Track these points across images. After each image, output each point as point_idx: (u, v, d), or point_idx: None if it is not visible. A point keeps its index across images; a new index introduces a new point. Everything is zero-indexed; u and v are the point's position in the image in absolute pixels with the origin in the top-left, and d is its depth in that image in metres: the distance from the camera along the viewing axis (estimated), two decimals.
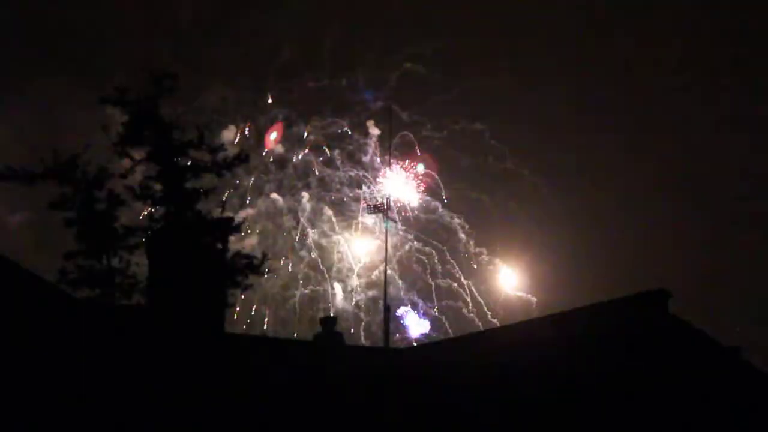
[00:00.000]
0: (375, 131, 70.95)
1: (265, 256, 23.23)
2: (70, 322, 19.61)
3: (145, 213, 23.87)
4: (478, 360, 20.65)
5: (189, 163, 22.55)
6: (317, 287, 68.43)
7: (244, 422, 18.60)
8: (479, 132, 72.41)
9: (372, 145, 70.50)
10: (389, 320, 26.41)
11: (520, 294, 71.56)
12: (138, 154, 22.51)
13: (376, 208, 34.75)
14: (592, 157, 71.99)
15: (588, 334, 20.07)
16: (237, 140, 70.70)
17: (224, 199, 23.64)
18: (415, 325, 68.53)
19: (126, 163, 22.51)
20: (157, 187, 22.39)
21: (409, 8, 73.73)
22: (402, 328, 67.83)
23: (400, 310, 67.99)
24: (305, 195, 70.01)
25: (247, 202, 69.77)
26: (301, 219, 69.40)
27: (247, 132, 71.79)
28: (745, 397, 19.63)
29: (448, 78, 71.35)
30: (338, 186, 69.93)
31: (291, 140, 72.29)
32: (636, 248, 68.02)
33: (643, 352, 19.43)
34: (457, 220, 70.86)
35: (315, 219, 69.64)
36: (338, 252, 68.92)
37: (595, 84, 72.75)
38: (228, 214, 23.72)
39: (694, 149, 69.01)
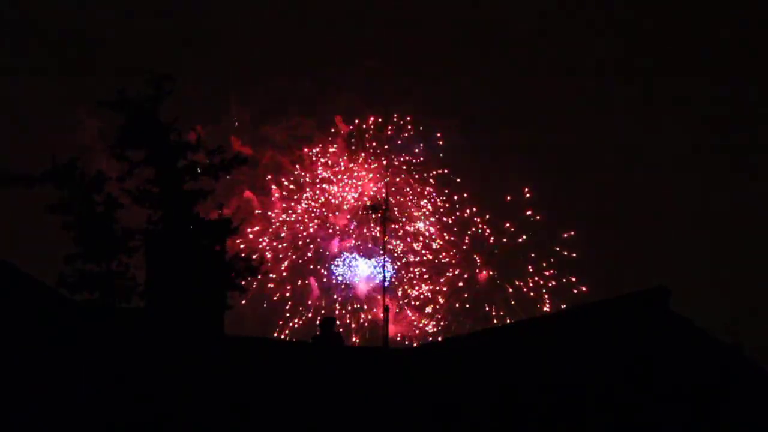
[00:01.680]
0: (343, 128, 70.69)
1: (263, 257, 23.30)
2: (69, 325, 19.59)
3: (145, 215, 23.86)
4: (478, 360, 20.61)
5: (186, 166, 22.58)
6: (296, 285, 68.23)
7: (243, 424, 18.57)
8: (448, 129, 72.22)
9: (340, 144, 70.25)
10: (388, 320, 26.40)
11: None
12: (136, 157, 22.56)
13: (373, 208, 33.36)
14: (579, 156, 71.85)
15: (587, 333, 20.05)
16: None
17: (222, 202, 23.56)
18: (364, 269, 66.86)
19: (123, 165, 22.55)
20: (155, 189, 22.42)
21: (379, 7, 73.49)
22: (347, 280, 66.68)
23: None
24: (276, 194, 69.81)
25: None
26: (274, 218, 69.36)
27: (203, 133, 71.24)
28: (746, 394, 19.61)
29: (413, 76, 71.14)
30: (309, 188, 69.92)
31: (260, 140, 72.16)
32: (634, 246, 67.96)
33: (642, 350, 19.41)
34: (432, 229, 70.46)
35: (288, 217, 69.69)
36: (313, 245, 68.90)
37: (586, 80, 72.72)
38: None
39: (692, 147, 69.09)
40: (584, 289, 66.73)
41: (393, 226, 64.39)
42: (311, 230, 68.43)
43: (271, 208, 68.93)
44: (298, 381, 19.66)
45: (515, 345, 20.78)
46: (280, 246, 68.16)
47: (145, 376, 18.62)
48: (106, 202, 22.34)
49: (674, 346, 19.66)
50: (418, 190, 69.59)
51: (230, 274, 22.45)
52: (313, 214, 68.33)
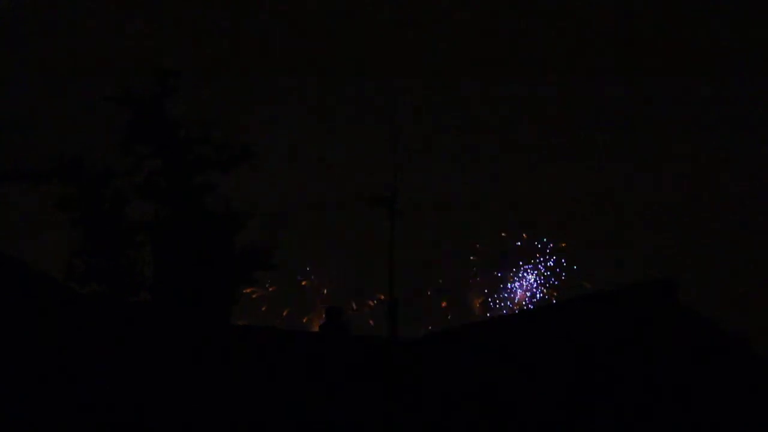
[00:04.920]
0: None
1: (270, 248, 23.27)
2: (77, 318, 19.66)
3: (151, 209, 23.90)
4: (484, 350, 20.68)
5: (194, 160, 22.61)
6: None
7: (250, 414, 18.65)
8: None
9: None
10: (396, 310, 26.37)
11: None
12: (143, 151, 22.59)
13: (378, 201, 30.75)
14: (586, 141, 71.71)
15: (593, 323, 20.05)
16: None
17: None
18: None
19: (131, 160, 22.59)
20: (163, 183, 22.46)
21: None
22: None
23: None
24: None
25: None
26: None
27: None
28: (755, 387, 19.62)
29: None
30: None
31: None
32: (640, 237, 67.95)
33: (649, 343, 19.43)
34: None
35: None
36: None
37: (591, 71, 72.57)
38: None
39: (700, 134, 69.01)
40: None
41: None
42: None
43: None
44: (305, 370, 19.73)
45: (522, 335, 20.83)
46: None
47: (152, 368, 18.70)
48: (113, 196, 22.38)
49: (682, 338, 19.69)
50: None
51: (240, 267, 22.51)
52: None
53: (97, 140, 22.91)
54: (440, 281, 69.91)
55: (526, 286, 69.74)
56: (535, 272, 69.86)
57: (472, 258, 70.76)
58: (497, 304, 70.15)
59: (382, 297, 65.27)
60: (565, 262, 69.73)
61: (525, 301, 69.42)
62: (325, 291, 68.01)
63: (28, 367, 17.87)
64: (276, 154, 63.67)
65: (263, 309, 65.95)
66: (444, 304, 69.29)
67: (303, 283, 68.59)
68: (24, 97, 60.91)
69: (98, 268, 22.19)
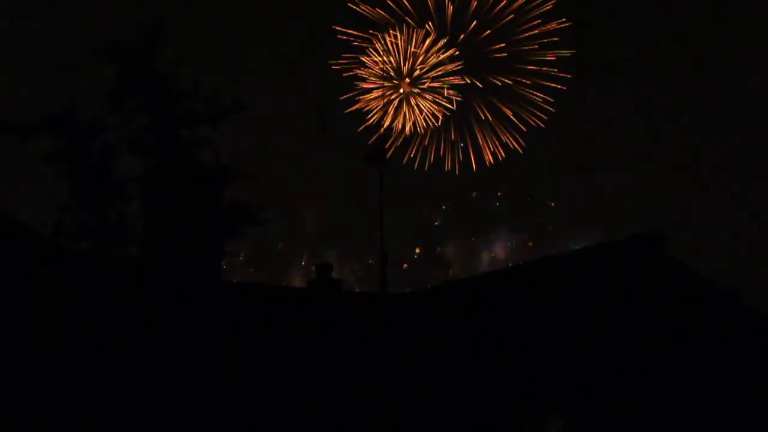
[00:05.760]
0: None
1: (260, 205, 23.27)
2: (67, 274, 19.68)
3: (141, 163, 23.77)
4: (473, 304, 20.73)
5: (183, 113, 22.52)
6: None
7: (238, 371, 18.72)
8: None
9: None
10: (386, 267, 26.45)
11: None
12: (132, 105, 22.48)
13: (372, 157, 30.13)
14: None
15: (579, 280, 20.10)
16: None
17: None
18: None
19: (120, 114, 22.48)
20: (152, 137, 22.39)
21: None
22: None
23: None
24: None
25: None
26: None
27: None
28: (744, 337, 19.73)
29: None
30: None
31: None
32: (628, 190, 68.18)
33: (638, 297, 19.50)
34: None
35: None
36: None
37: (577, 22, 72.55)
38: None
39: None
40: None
41: None
42: None
43: None
44: (294, 327, 19.78)
45: (510, 290, 20.88)
46: None
47: (143, 324, 18.74)
48: (102, 150, 22.31)
49: (670, 291, 19.75)
50: None
51: (228, 221, 22.49)
52: None
53: (86, 94, 22.81)
54: (417, 251, 70.05)
55: (508, 246, 69.77)
56: (517, 232, 69.95)
57: (436, 223, 70.79)
58: (475, 266, 70.15)
59: (370, 261, 65.31)
60: (552, 226, 69.86)
61: (510, 261, 69.46)
62: (304, 262, 67.93)
63: (17, 322, 17.89)
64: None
65: (236, 279, 66.10)
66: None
67: (280, 247, 68.41)
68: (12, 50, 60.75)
69: (87, 223, 22.11)
